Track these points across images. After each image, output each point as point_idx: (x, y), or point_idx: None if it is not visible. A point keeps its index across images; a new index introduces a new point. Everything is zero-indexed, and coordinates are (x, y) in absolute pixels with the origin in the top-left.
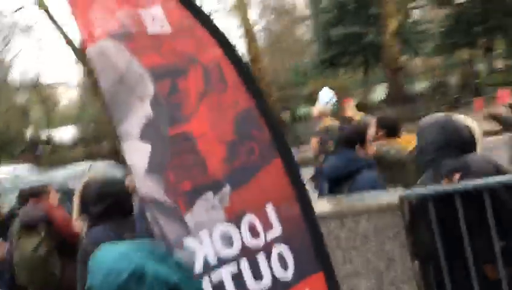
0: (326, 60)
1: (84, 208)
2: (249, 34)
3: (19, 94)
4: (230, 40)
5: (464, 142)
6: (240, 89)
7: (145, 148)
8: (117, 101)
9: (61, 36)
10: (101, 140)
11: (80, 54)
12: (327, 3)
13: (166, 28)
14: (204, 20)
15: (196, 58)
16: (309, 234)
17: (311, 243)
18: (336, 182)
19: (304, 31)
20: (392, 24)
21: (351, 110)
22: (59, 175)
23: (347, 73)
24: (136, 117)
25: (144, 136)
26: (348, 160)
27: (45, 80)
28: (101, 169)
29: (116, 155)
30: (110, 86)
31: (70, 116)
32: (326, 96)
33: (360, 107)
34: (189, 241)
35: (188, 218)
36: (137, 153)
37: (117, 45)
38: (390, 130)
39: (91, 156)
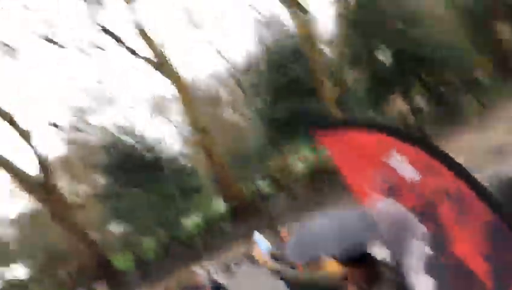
0: (272, 138)
1: None
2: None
3: None
4: (466, 170)
5: None
6: (482, 206)
7: (429, 281)
8: (397, 242)
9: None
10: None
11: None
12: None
13: (415, 172)
14: (441, 156)
15: (444, 190)
16: None
17: None
18: None
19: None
20: (332, 93)
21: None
22: None
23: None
24: (415, 253)
25: (425, 269)
26: None
27: None
28: None
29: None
30: (391, 232)
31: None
32: (262, 244)
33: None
34: None
35: None
36: (423, 285)
37: (389, 199)
38: None
39: None
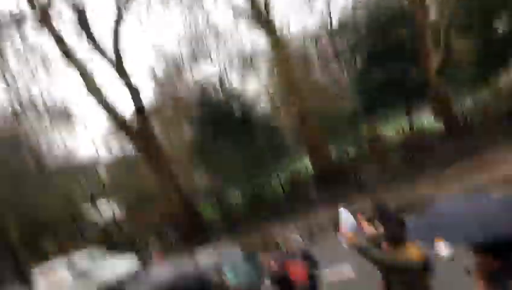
0: (368, 105)
1: None
2: (295, 92)
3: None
4: None
5: None
6: None
7: None
8: None
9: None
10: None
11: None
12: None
13: None
14: None
15: None
16: None
17: None
18: None
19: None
20: (435, 60)
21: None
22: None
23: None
24: None
25: None
26: None
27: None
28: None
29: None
30: None
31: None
32: (347, 220)
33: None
34: None
35: None
36: None
37: None
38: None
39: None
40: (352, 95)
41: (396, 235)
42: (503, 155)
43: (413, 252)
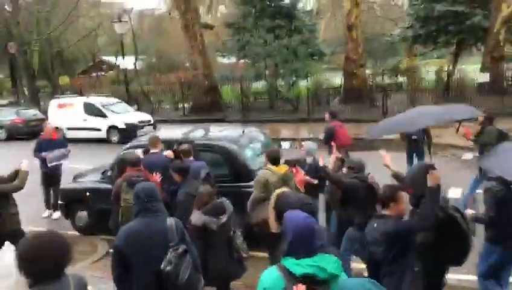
0: (420, 36)
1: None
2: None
3: (88, 17)
4: None
5: None
6: None
7: None
8: None
9: None
10: (164, 72)
11: None
12: None
13: None
14: None
15: None
16: None
17: None
18: None
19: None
20: (506, 10)
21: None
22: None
23: (434, 52)
24: None
25: None
26: None
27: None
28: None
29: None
30: None
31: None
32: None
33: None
34: None
35: None
36: None
37: None
38: None
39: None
40: (407, 22)
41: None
42: None
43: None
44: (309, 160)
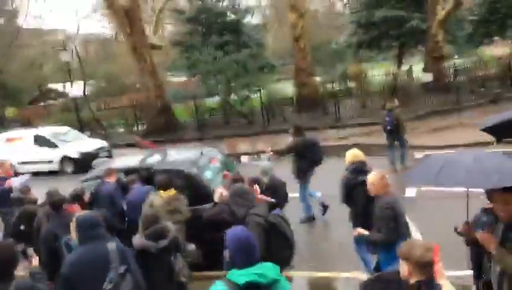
0: (364, 42)
1: None
2: (297, 11)
3: (31, 46)
4: None
5: None
6: None
7: None
8: None
9: None
10: (114, 96)
11: None
12: None
13: None
14: None
15: None
16: None
17: None
18: None
19: (343, 10)
20: (441, 12)
21: None
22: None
23: (379, 56)
24: None
25: None
26: None
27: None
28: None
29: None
30: None
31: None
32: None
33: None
34: None
35: None
36: None
37: None
38: None
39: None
40: (350, 29)
41: None
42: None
43: None
44: (265, 179)
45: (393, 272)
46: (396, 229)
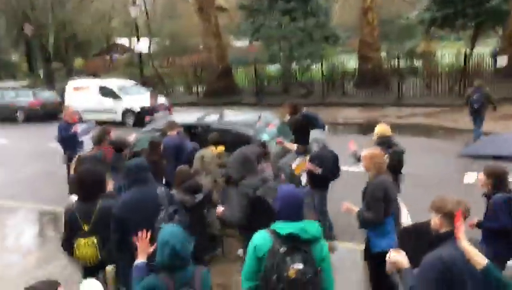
0: (438, 19)
1: None
2: None
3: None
4: None
5: None
6: None
7: None
8: None
9: None
10: (177, 55)
11: None
12: None
13: None
14: None
15: None
16: None
17: None
18: None
19: None
20: None
21: None
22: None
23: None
24: None
25: None
26: None
27: None
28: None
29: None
30: None
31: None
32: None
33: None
34: None
35: None
36: None
37: None
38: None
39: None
40: (424, 4)
41: None
42: None
43: None
44: (315, 147)
45: (425, 222)
46: (385, 209)
